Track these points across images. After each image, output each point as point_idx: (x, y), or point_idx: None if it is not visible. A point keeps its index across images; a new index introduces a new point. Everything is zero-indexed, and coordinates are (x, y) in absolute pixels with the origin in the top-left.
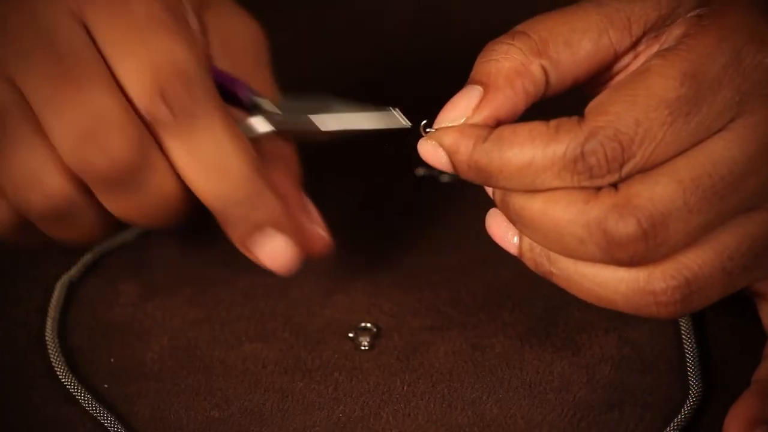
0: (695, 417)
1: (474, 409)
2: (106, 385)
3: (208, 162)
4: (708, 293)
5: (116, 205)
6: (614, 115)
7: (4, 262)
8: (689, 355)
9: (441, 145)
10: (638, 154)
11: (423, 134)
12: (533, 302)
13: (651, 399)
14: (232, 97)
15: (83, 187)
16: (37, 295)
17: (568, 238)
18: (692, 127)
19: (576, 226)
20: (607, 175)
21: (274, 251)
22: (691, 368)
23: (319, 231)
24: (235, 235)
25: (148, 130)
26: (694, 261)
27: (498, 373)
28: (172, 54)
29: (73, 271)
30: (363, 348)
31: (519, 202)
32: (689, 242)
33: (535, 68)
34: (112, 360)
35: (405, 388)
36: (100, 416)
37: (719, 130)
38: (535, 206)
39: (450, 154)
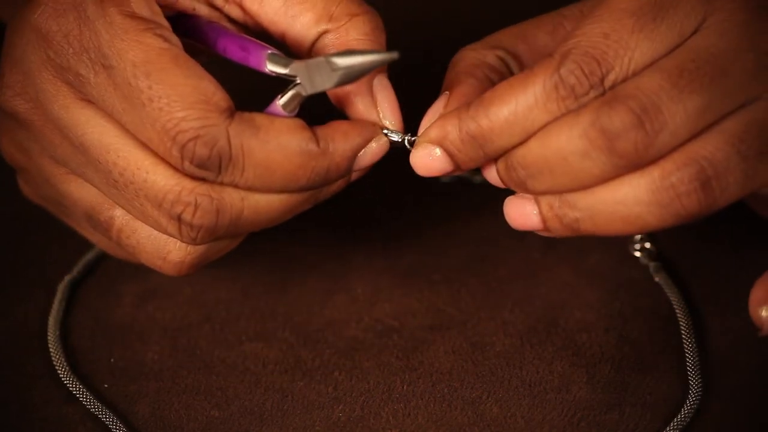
0: (695, 417)
1: (474, 408)
2: (106, 385)
3: (267, 178)
4: (728, 179)
5: (249, 228)
6: (581, 35)
7: (7, 264)
8: (689, 355)
9: (429, 140)
10: (616, 65)
11: (409, 148)
12: (533, 301)
13: (651, 399)
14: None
15: None
16: (38, 295)
17: (573, 159)
18: (663, 30)
19: (575, 140)
20: (590, 91)
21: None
22: (691, 368)
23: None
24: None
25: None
26: (704, 147)
27: (498, 372)
28: (179, 122)
29: (75, 272)
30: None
31: (519, 153)
32: (692, 127)
33: (491, 59)
34: (112, 360)
35: (405, 387)
36: (101, 415)
37: (694, 32)
38: (533, 147)
39: (441, 143)
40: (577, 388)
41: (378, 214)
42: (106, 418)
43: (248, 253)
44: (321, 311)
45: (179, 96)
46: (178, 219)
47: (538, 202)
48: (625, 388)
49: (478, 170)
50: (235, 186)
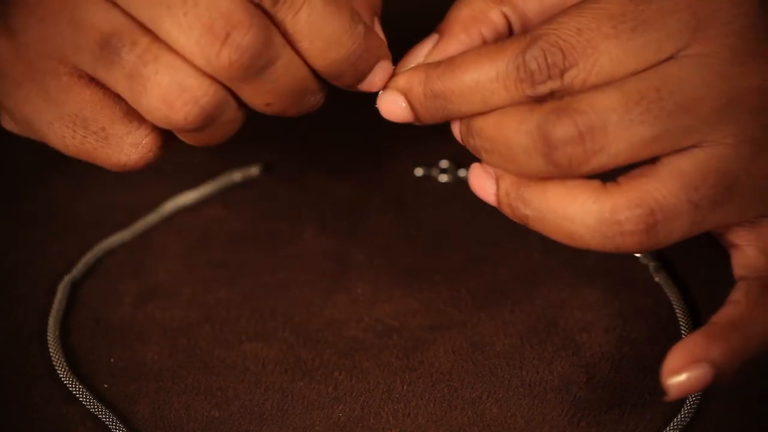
0: (695, 417)
1: (474, 408)
2: (106, 385)
3: (313, 31)
4: (674, 225)
5: (255, 95)
6: (556, 23)
7: (6, 263)
8: None
9: (396, 88)
10: (580, 62)
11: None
12: (533, 301)
13: (651, 399)
14: None
15: (223, 85)
16: (38, 295)
17: (517, 151)
18: (639, 43)
19: (521, 135)
20: (548, 81)
21: (384, 77)
22: None
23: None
24: (354, 84)
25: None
26: (659, 190)
27: (498, 372)
28: None
29: (75, 272)
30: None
31: (478, 123)
32: (633, 155)
33: (495, 15)
34: (112, 360)
35: (405, 387)
36: (101, 415)
37: (673, 56)
38: (489, 123)
39: (406, 94)
40: (577, 388)
41: (378, 214)
42: (106, 418)
43: (248, 253)
44: (321, 311)
45: None
46: (226, 37)
47: (497, 184)
48: (625, 388)
49: None
50: (283, 27)
